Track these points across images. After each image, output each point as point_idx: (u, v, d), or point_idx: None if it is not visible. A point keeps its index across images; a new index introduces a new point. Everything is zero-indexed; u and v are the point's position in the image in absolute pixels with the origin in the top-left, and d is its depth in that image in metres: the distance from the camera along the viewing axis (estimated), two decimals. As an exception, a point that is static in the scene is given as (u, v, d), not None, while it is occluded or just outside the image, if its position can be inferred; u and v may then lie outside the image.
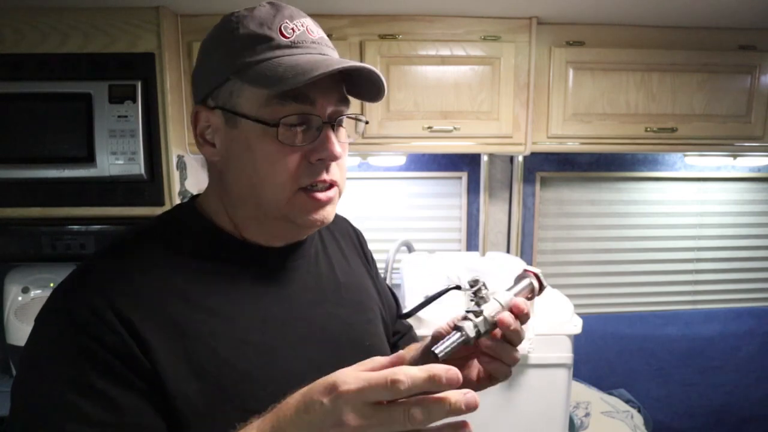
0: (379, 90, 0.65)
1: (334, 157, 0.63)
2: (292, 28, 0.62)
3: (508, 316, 0.59)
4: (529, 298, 0.65)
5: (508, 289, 0.63)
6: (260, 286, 0.67)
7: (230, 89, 0.62)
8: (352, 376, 0.45)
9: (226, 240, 0.67)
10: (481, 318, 0.58)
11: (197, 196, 0.72)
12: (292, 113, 0.61)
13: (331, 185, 0.65)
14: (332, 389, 0.45)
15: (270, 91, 0.59)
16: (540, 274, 0.65)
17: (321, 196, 0.64)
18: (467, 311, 0.59)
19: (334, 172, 0.65)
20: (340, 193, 0.68)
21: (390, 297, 0.92)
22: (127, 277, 0.59)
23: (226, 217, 0.68)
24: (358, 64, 0.61)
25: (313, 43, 0.63)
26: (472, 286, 0.60)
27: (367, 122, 0.71)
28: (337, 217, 0.89)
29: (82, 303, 0.56)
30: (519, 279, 0.65)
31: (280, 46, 0.61)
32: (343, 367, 0.56)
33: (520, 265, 1.76)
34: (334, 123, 0.64)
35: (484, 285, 0.60)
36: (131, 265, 0.61)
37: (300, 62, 0.59)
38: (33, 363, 0.57)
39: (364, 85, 0.66)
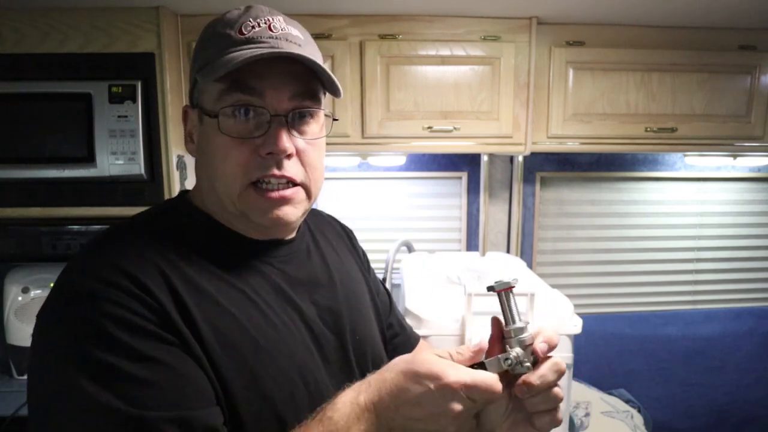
0: (330, 82, 0.65)
1: (281, 151, 0.62)
2: (252, 26, 0.63)
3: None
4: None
5: (522, 333, 0.60)
6: (256, 275, 0.68)
7: (199, 88, 0.66)
8: (455, 368, 0.55)
9: (218, 231, 0.68)
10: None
11: (187, 191, 0.74)
12: (231, 103, 0.62)
13: (288, 182, 0.64)
14: (436, 378, 0.54)
15: (205, 80, 0.62)
16: (505, 285, 0.61)
17: (273, 194, 0.64)
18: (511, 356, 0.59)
19: (290, 168, 0.64)
20: (308, 193, 0.68)
21: (383, 291, 0.93)
22: (129, 251, 0.60)
23: (208, 210, 0.69)
24: (284, 51, 0.61)
25: (270, 38, 0.62)
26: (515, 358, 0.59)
27: (336, 119, 0.72)
28: (325, 216, 0.91)
29: (93, 278, 0.56)
30: (505, 299, 0.61)
31: (234, 43, 0.62)
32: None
33: (520, 265, 1.76)
34: (287, 117, 0.63)
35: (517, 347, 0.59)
36: (130, 244, 0.62)
37: (244, 55, 0.60)
38: (54, 345, 0.54)
39: (325, 80, 0.66)
